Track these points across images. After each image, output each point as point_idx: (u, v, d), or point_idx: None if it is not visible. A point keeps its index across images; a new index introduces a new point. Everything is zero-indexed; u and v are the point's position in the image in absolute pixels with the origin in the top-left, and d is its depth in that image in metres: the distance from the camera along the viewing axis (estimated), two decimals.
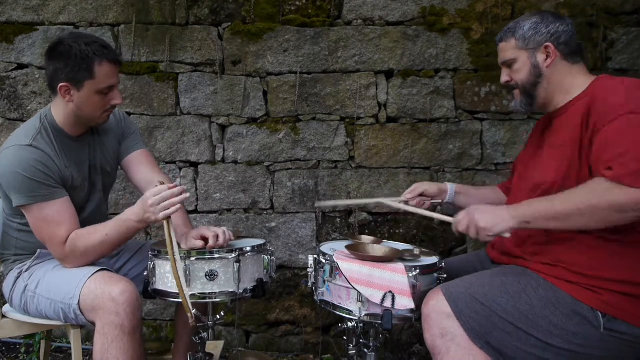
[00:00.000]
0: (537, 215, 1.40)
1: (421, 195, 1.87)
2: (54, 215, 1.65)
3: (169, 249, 1.51)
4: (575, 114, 1.48)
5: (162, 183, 1.60)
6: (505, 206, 1.50)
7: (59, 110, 1.74)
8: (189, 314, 1.49)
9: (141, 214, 1.61)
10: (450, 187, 1.90)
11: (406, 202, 1.87)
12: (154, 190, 1.59)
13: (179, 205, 1.57)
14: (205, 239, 1.71)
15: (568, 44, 1.56)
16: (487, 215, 1.45)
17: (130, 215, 1.64)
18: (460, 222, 1.50)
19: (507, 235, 1.45)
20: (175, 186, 1.59)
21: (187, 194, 1.64)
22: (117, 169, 1.98)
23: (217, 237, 1.69)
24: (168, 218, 1.56)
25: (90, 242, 1.66)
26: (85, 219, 1.79)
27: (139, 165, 1.92)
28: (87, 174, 1.83)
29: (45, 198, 1.64)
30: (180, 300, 1.63)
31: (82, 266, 1.70)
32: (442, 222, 2.66)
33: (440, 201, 1.91)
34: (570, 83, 1.56)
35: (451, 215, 1.56)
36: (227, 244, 1.72)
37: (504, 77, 1.66)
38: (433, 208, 1.91)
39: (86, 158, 1.83)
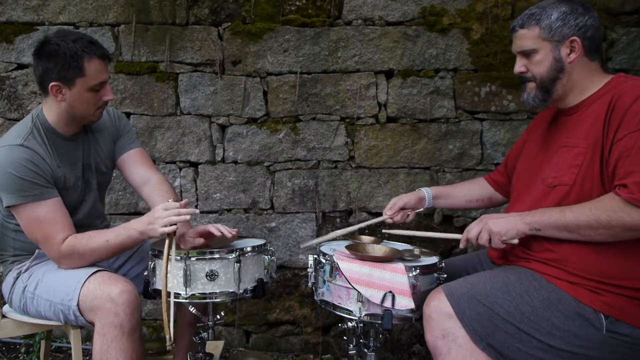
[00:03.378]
0: (548, 224, 1.43)
1: (402, 208, 1.87)
2: (46, 216, 1.64)
3: (164, 267, 1.51)
4: (592, 114, 1.45)
5: (174, 201, 1.60)
6: (517, 213, 1.52)
7: (51, 109, 1.73)
8: (167, 336, 1.49)
9: (145, 225, 1.60)
10: (427, 193, 1.91)
11: (391, 218, 1.87)
12: (166, 204, 1.59)
13: (187, 217, 1.57)
14: (204, 236, 1.71)
15: (593, 39, 1.49)
16: (500, 221, 1.49)
17: (134, 225, 1.64)
18: (471, 229, 1.52)
19: (516, 241, 1.48)
20: (186, 204, 1.60)
21: (197, 211, 1.67)
22: (112, 168, 1.97)
23: (218, 229, 1.70)
24: (172, 236, 1.56)
25: (89, 246, 1.65)
26: (81, 219, 1.79)
27: (135, 164, 1.92)
28: (81, 174, 1.82)
29: (37, 198, 1.64)
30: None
31: (78, 267, 1.70)
32: (442, 222, 2.69)
33: (421, 209, 1.91)
34: (588, 81, 1.51)
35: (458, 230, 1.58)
36: (235, 237, 1.73)
37: (519, 67, 1.56)
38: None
39: (80, 157, 1.82)
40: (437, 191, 1.93)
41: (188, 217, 1.57)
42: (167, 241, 1.55)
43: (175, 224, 1.56)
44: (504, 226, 1.47)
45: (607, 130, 1.40)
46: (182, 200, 1.65)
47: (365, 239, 1.88)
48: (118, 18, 2.63)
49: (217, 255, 1.65)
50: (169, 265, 1.53)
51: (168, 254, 1.53)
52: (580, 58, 1.49)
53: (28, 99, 2.66)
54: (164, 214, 1.56)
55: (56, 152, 1.73)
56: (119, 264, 1.97)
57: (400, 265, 1.54)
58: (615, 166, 1.37)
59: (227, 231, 1.71)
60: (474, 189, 1.95)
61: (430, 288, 1.56)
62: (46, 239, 1.66)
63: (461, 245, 1.56)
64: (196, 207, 2.69)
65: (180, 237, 1.74)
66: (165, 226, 1.55)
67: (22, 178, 1.61)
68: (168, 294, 1.52)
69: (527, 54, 1.53)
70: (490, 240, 1.48)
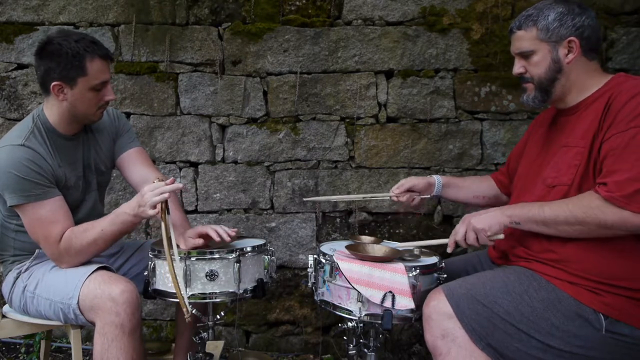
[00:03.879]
0: (527, 217, 1.45)
1: (410, 190, 1.88)
2: (48, 215, 1.65)
3: (165, 244, 1.51)
4: (591, 113, 1.46)
5: (160, 180, 1.60)
6: (499, 207, 1.53)
7: (52, 109, 1.73)
8: (184, 309, 1.49)
9: (135, 208, 1.60)
10: (437, 179, 1.91)
11: (397, 197, 1.88)
12: (151, 185, 1.59)
13: (166, 195, 1.56)
14: (203, 237, 1.71)
15: (590, 39, 1.49)
16: (482, 217, 1.50)
17: (125, 209, 1.64)
18: (457, 231, 1.53)
19: (501, 236, 1.49)
20: (173, 181, 1.59)
21: (181, 185, 1.64)
22: (112, 167, 1.97)
23: (216, 232, 1.70)
24: (164, 214, 1.56)
25: (85, 239, 1.65)
26: (81, 219, 1.79)
27: (134, 164, 1.92)
28: (82, 173, 1.83)
29: (39, 197, 1.64)
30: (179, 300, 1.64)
31: (77, 265, 1.70)
32: (442, 222, 2.69)
33: (429, 195, 1.91)
34: (587, 81, 1.51)
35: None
36: (235, 236, 1.73)
37: (518, 69, 1.57)
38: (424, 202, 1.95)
39: (80, 157, 1.82)
40: (447, 180, 1.93)
41: (167, 195, 1.55)
42: (162, 223, 1.54)
43: (162, 204, 1.55)
44: (486, 222, 1.48)
45: (601, 129, 1.41)
46: (181, 188, 1.65)
47: (365, 239, 1.88)
48: (118, 18, 2.63)
49: (217, 255, 1.65)
50: (172, 242, 1.52)
51: (168, 235, 1.52)
52: (578, 58, 1.49)
53: (28, 99, 2.66)
54: (149, 194, 1.56)
55: (57, 152, 1.73)
56: (119, 263, 1.97)
57: (400, 265, 1.54)
58: (601, 165, 1.38)
59: (226, 235, 1.71)
60: (482, 186, 1.95)
61: (430, 288, 1.56)
62: (46, 238, 1.66)
63: (449, 250, 1.56)
64: (196, 207, 2.70)
65: (180, 236, 1.74)
66: (154, 207, 1.55)
67: (24, 178, 1.62)
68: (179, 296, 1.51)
69: (526, 56, 1.54)
70: (477, 238, 1.49)
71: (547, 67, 1.50)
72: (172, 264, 1.49)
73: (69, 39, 1.63)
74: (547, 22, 1.48)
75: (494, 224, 1.47)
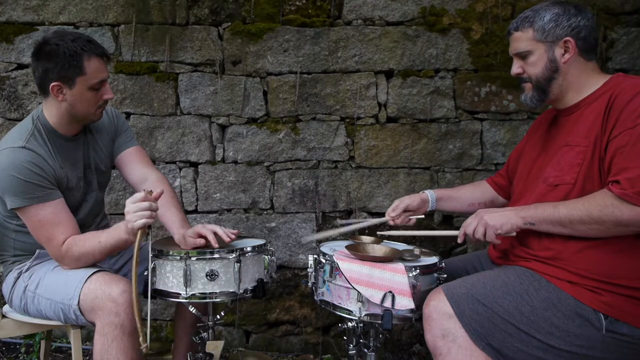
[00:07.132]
0: (541, 218, 1.45)
1: (405, 210, 1.86)
2: (50, 217, 1.65)
3: (133, 264, 1.47)
4: (592, 112, 1.46)
5: (150, 192, 1.54)
6: (512, 207, 1.54)
7: (52, 110, 1.73)
8: (141, 339, 1.44)
9: (127, 223, 1.56)
10: (430, 195, 1.90)
11: (392, 220, 1.86)
12: (133, 197, 1.54)
13: (149, 220, 1.51)
14: (203, 236, 1.71)
15: (587, 39, 1.50)
16: (495, 214, 1.50)
17: (121, 224, 1.61)
18: (469, 224, 1.53)
19: (513, 234, 1.49)
20: (159, 195, 1.55)
21: (156, 209, 1.56)
22: (111, 167, 1.97)
23: (215, 234, 1.69)
24: (144, 230, 1.51)
25: (84, 248, 1.66)
26: (82, 219, 1.79)
27: (133, 163, 1.92)
28: (82, 174, 1.83)
29: (41, 200, 1.64)
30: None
31: (78, 268, 1.70)
32: (442, 223, 2.69)
33: (423, 216, 1.90)
34: (585, 81, 1.52)
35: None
36: (233, 238, 1.72)
37: (516, 69, 1.59)
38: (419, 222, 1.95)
39: (80, 158, 1.82)
40: (440, 194, 1.92)
41: (151, 220, 1.51)
42: (137, 239, 1.50)
43: (149, 217, 1.51)
44: (499, 220, 1.48)
45: (604, 128, 1.41)
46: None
47: (365, 239, 1.88)
48: (118, 18, 2.63)
49: (217, 255, 1.65)
50: (138, 259, 1.49)
51: (138, 248, 1.49)
52: (575, 58, 1.51)
53: (28, 99, 2.66)
54: (133, 207, 1.51)
55: (58, 153, 1.73)
56: (119, 264, 1.97)
57: (400, 265, 1.54)
58: (610, 163, 1.38)
59: (226, 235, 1.70)
60: (476, 192, 1.94)
61: (430, 288, 1.56)
62: (49, 240, 1.66)
63: (459, 240, 1.56)
64: (196, 207, 2.70)
65: (181, 237, 1.74)
66: (140, 219, 1.50)
67: (26, 181, 1.61)
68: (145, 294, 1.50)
69: (523, 56, 1.56)
70: (485, 234, 1.49)
71: (544, 66, 1.53)
72: (136, 288, 1.47)
73: (65, 39, 1.63)
74: (543, 23, 1.51)
75: (505, 224, 1.48)
